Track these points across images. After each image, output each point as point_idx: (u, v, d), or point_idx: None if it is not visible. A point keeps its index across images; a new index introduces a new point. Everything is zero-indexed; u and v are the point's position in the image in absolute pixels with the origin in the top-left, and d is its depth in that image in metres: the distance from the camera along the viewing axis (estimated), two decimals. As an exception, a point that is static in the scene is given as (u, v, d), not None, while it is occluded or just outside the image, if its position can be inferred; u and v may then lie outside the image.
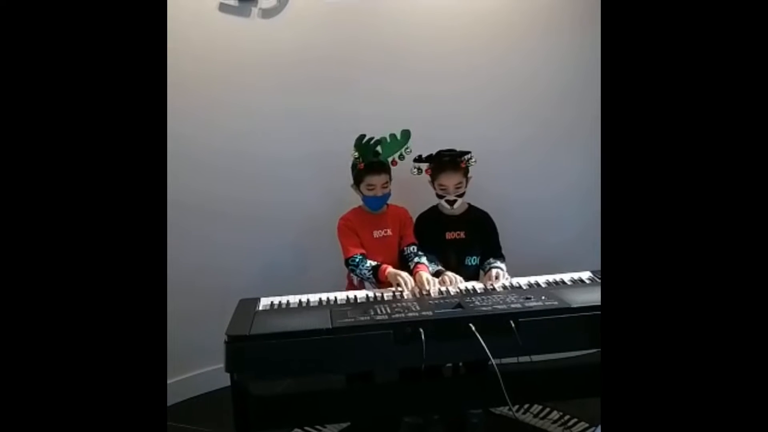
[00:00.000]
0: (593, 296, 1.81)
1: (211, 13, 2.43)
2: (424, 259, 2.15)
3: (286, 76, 2.56)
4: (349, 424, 2.27)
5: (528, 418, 2.31)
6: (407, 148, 2.27)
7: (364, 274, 2.11)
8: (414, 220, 2.34)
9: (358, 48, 2.58)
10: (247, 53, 2.50)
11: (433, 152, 2.27)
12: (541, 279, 2.05)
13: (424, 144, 2.29)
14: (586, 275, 2.07)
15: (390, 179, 2.23)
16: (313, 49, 2.56)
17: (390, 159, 2.26)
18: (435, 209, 2.32)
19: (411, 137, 2.27)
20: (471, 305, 1.78)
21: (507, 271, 2.14)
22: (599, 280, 2.01)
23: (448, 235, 2.27)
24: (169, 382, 2.41)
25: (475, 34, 2.62)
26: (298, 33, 2.54)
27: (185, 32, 2.34)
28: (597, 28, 2.66)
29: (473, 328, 1.64)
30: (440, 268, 2.16)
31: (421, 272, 2.04)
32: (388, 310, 1.75)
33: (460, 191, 2.22)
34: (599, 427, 1.63)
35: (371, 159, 2.21)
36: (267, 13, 2.49)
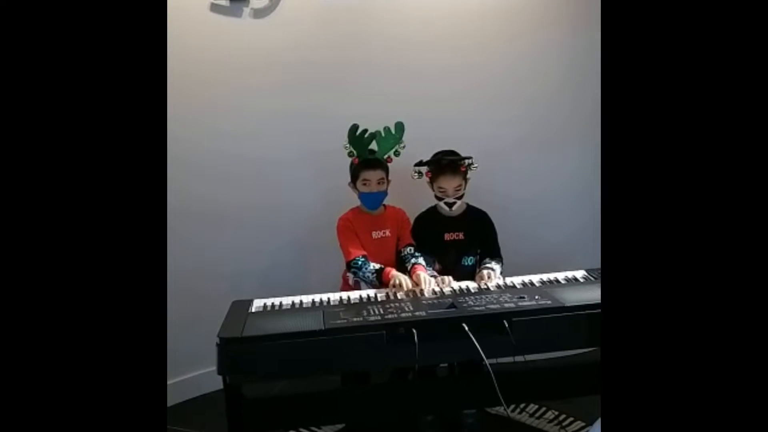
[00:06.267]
0: (587, 295, 1.80)
1: (202, 13, 2.41)
2: (421, 260, 2.14)
3: (280, 76, 2.55)
4: (344, 425, 2.26)
5: (524, 417, 2.31)
6: (402, 144, 2.26)
7: (368, 277, 2.09)
8: (412, 220, 2.33)
9: (352, 47, 2.57)
10: (240, 53, 2.49)
11: (429, 151, 2.26)
12: (535, 278, 2.04)
13: (419, 143, 2.28)
14: (580, 274, 2.06)
15: (387, 176, 2.21)
16: (306, 48, 2.54)
17: (386, 156, 2.24)
18: (433, 210, 2.31)
19: (405, 132, 2.25)
20: (464, 305, 1.77)
21: (504, 269, 2.13)
22: (594, 279, 2.00)
23: (447, 236, 2.26)
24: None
25: (468, 32, 2.61)
26: (291, 33, 2.52)
27: (176, 32, 2.31)
28: (590, 26, 2.67)
29: (466, 328, 1.64)
30: (434, 273, 2.16)
31: (418, 272, 2.03)
32: (381, 311, 1.74)
33: (459, 193, 2.21)
34: (594, 425, 1.62)
35: (367, 156, 2.20)
36: (259, 13, 2.48)
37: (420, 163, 2.25)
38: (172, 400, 2.49)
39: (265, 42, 2.50)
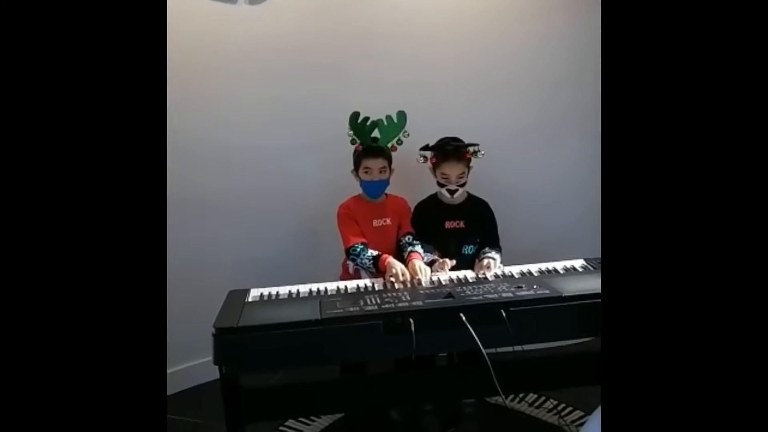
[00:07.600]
0: (585, 284, 1.79)
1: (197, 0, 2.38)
2: (418, 248, 2.13)
3: (276, 63, 2.52)
4: (342, 415, 2.26)
5: (523, 407, 2.31)
6: (405, 132, 2.24)
7: (365, 263, 2.08)
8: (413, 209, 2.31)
9: (349, 34, 2.54)
10: (235, 41, 2.46)
11: (427, 140, 2.24)
12: (534, 267, 2.02)
13: (418, 132, 2.26)
14: (578, 263, 2.04)
15: (390, 165, 2.20)
16: (302, 35, 2.52)
17: (390, 145, 2.22)
18: (434, 198, 2.29)
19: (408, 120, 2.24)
20: (462, 295, 1.76)
21: (503, 259, 2.11)
22: (592, 268, 1.99)
23: (448, 225, 2.24)
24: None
25: (468, 20, 2.58)
26: (287, 19, 2.50)
27: (170, 20, 2.27)
28: (590, 13, 2.63)
29: (464, 318, 1.63)
30: (435, 257, 2.14)
31: (414, 260, 2.02)
32: (378, 301, 1.73)
33: (462, 181, 2.19)
34: (593, 414, 1.61)
35: (370, 144, 2.18)
36: (255, -1, 2.45)
37: (426, 148, 2.23)
38: (170, 389, 2.49)
39: (262, 29, 2.48)
